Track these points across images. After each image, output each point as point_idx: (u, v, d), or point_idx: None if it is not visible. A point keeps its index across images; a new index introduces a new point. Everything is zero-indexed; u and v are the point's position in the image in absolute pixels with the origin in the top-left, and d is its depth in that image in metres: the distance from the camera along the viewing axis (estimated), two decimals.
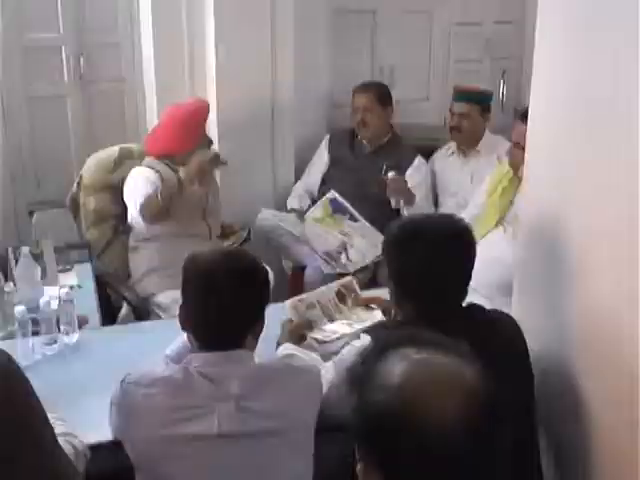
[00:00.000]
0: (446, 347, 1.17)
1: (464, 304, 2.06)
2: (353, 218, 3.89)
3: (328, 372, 2.07)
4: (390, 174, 3.83)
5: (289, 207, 4.08)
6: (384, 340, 1.22)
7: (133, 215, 3.36)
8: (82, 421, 1.94)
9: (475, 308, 2.07)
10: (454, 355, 1.16)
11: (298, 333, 2.48)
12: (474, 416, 1.09)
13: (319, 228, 3.88)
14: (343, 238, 3.84)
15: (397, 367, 1.13)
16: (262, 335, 1.94)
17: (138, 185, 3.35)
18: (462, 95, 4.12)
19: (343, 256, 3.78)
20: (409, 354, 1.15)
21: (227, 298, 1.81)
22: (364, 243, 3.80)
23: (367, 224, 3.86)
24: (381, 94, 4.07)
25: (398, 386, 1.12)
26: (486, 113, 4.11)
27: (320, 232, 3.87)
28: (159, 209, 3.26)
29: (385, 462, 1.12)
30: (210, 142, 3.53)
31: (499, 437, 1.12)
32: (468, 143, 4.11)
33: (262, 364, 1.96)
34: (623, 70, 1.82)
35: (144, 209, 3.28)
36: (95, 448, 1.90)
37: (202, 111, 3.49)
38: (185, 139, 3.40)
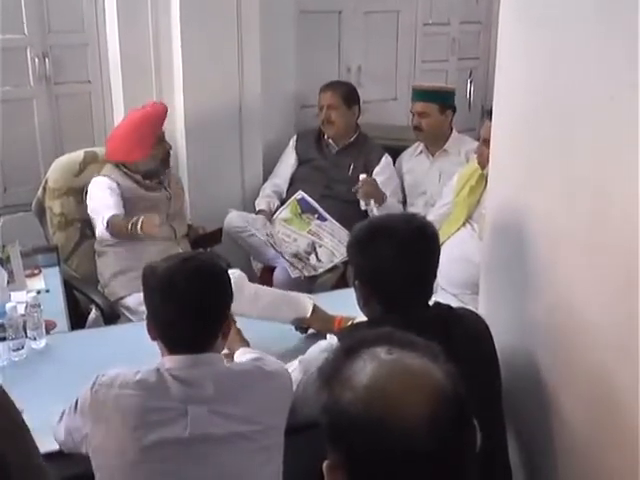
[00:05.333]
0: (418, 347, 1.18)
1: (430, 302, 2.07)
2: (321, 217, 3.90)
3: (294, 371, 2.07)
4: (362, 176, 3.84)
5: (257, 209, 4.08)
6: (356, 339, 1.23)
7: (100, 230, 3.32)
8: (50, 427, 1.92)
9: (441, 306, 2.08)
10: (425, 356, 1.16)
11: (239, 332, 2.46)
12: (441, 416, 1.10)
13: (288, 229, 3.89)
14: (312, 238, 3.85)
15: (366, 367, 1.14)
16: None
17: (102, 199, 3.34)
18: (419, 94, 4.12)
19: (312, 257, 3.78)
20: (379, 354, 1.16)
21: (190, 302, 1.81)
22: (333, 242, 3.81)
23: (335, 223, 3.87)
24: (347, 93, 4.08)
25: (366, 386, 1.12)
26: (446, 111, 4.06)
27: (289, 233, 3.87)
28: (126, 226, 3.21)
29: (350, 460, 1.12)
30: (168, 148, 3.52)
31: (468, 437, 1.13)
32: (433, 142, 4.10)
33: (233, 367, 1.95)
34: (583, 66, 1.85)
35: (111, 227, 3.26)
36: (63, 454, 1.90)
37: (157, 116, 3.46)
38: (134, 149, 3.41)
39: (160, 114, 3.48)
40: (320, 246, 3.81)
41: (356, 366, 1.15)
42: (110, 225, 3.25)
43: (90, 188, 3.43)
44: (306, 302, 2.62)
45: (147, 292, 1.89)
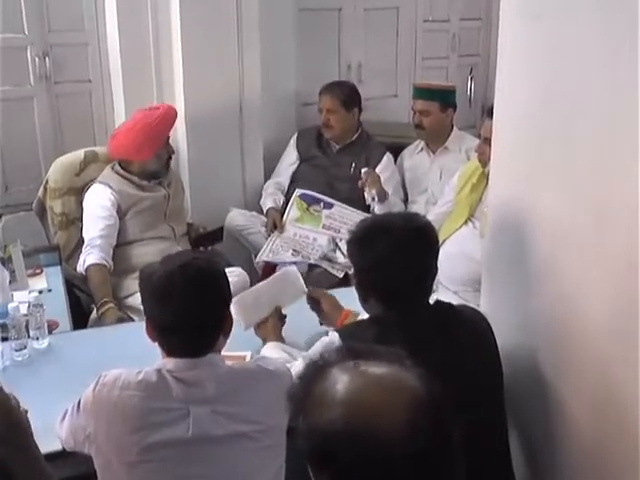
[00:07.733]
0: (383, 356, 1.17)
1: (431, 301, 2.07)
2: (327, 205, 3.90)
3: (297, 367, 2.07)
4: (364, 169, 3.83)
5: (265, 208, 4.04)
6: (320, 357, 1.21)
7: (80, 263, 3.31)
8: (53, 427, 1.92)
9: (443, 304, 2.08)
10: (392, 363, 1.15)
11: (277, 325, 2.53)
12: (420, 419, 1.09)
13: (303, 229, 3.86)
14: (329, 233, 3.83)
15: (338, 383, 1.13)
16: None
17: (92, 222, 3.34)
18: (420, 92, 4.10)
19: (338, 253, 3.77)
20: (347, 369, 1.14)
21: (189, 312, 1.79)
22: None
23: (343, 205, 3.87)
24: (346, 96, 4.04)
25: (342, 402, 1.11)
26: (447, 109, 4.05)
27: (306, 233, 3.85)
28: (93, 291, 3.24)
29: (336, 478, 1.11)
30: (171, 152, 3.52)
31: (449, 434, 1.12)
32: (434, 140, 4.09)
33: (235, 367, 1.95)
34: (584, 61, 1.84)
35: (87, 274, 3.26)
36: (64, 455, 1.90)
37: (171, 117, 3.47)
38: (143, 147, 3.39)
39: (173, 116, 3.50)
40: (340, 240, 3.77)
41: (326, 384, 1.14)
42: (86, 273, 3.26)
43: (86, 199, 3.44)
44: (294, 276, 2.70)
45: (144, 297, 1.88)
